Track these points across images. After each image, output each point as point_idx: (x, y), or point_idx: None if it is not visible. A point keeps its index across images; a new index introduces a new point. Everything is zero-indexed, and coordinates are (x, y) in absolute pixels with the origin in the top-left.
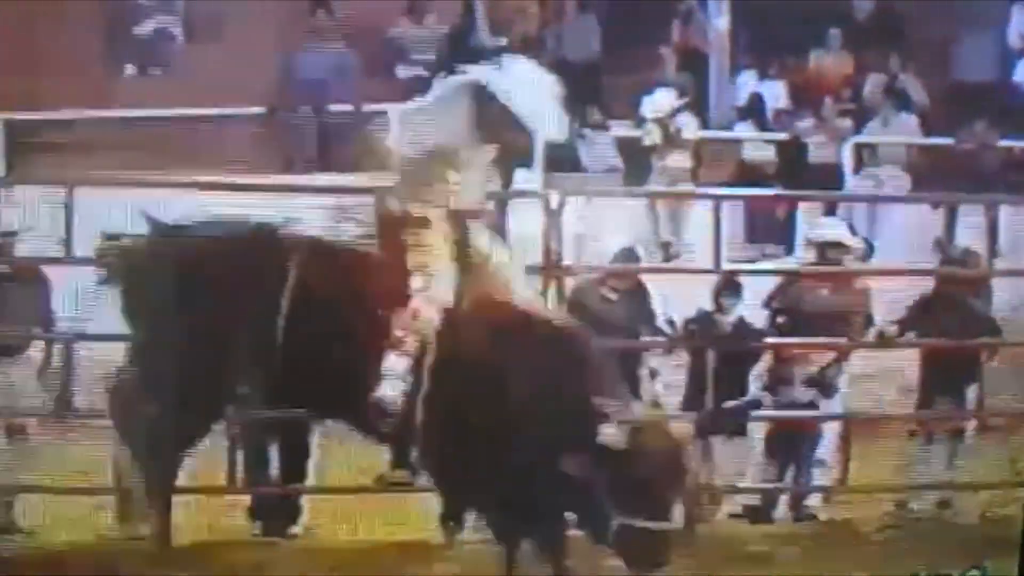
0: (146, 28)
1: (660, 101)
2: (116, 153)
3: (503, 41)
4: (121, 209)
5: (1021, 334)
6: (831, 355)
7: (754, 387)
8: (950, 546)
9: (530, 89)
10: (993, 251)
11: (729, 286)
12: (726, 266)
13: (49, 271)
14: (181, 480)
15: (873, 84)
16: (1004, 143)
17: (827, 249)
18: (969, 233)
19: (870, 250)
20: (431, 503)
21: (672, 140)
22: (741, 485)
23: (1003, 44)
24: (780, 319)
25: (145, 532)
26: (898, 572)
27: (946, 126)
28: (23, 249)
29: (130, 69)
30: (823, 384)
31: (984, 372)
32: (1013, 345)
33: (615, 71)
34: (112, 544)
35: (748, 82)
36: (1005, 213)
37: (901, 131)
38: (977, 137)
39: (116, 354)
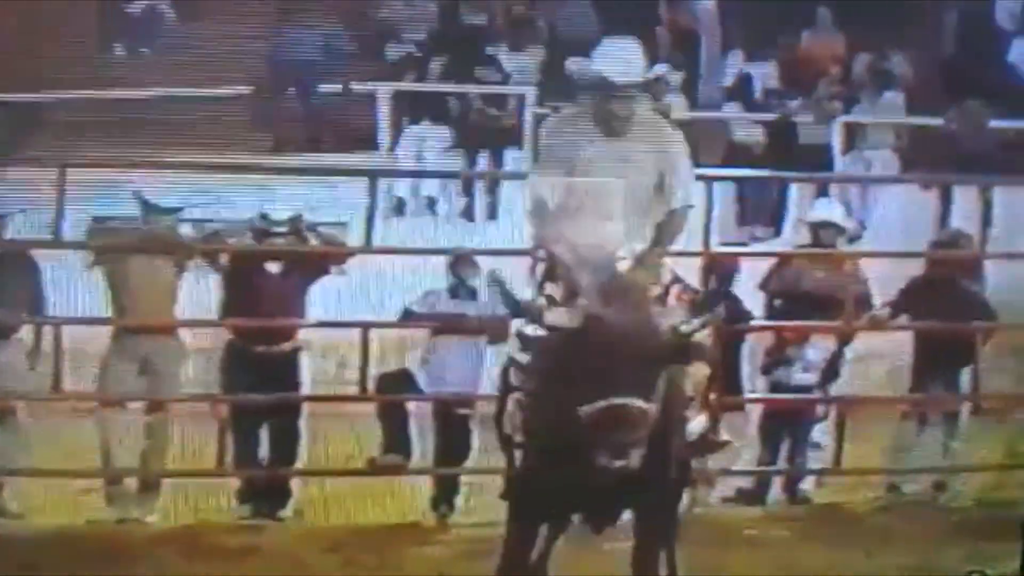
0: (137, 6)
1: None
2: (107, 133)
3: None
4: (112, 191)
5: (1016, 317)
6: (832, 340)
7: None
8: (945, 529)
9: None
10: (986, 233)
11: (719, 268)
12: (715, 248)
13: (39, 254)
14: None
15: (861, 64)
16: (996, 124)
17: (820, 230)
18: (962, 215)
19: (861, 231)
20: (422, 486)
21: None
22: (735, 468)
23: (993, 24)
24: (777, 302)
25: (134, 516)
26: (892, 554)
27: (936, 107)
28: (12, 231)
29: (120, 48)
30: (831, 371)
31: (979, 355)
32: (1009, 328)
33: None
34: (101, 527)
35: (737, 62)
36: (999, 195)
37: (887, 111)
38: (968, 118)
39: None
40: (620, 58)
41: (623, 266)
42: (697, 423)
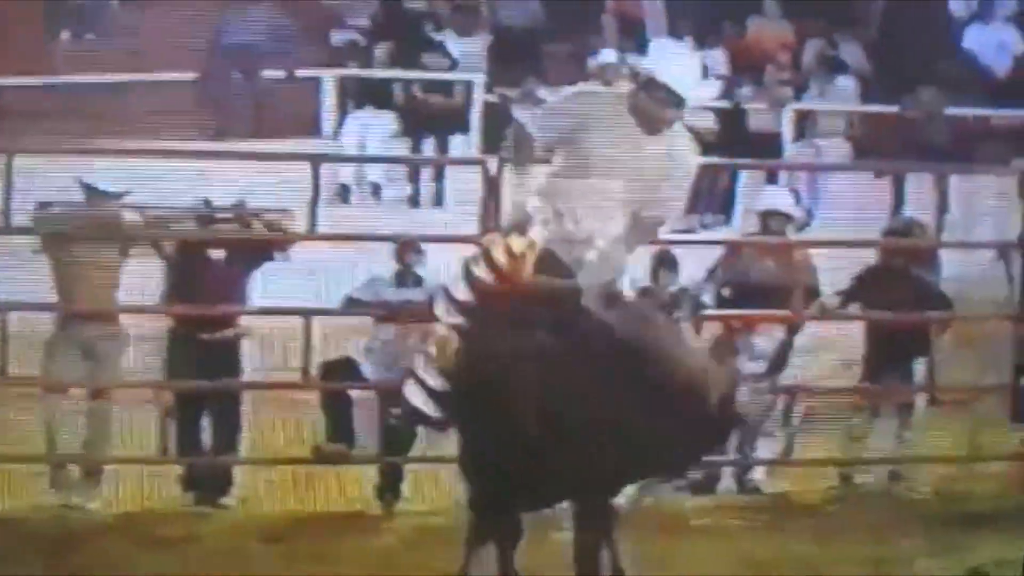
0: None
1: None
2: (53, 120)
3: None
4: (59, 177)
5: (972, 307)
6: (780, 329)
7: None
8: (900, 520)
9: None
10: (941, 221)
11: (666, 262)
12: (665, 236)
13: None
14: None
15: (811, 50)
16: (952, 111)
17: (769, 219)
18: (917, 203)
19: (810, 220)
20: (368, 475)
21: None
22: None
23: (948, 11)
24: (725, 291)
25: (78, 502)
26: (846, 545)
27: (891, 94)
28: None
29: (66, 35)
30: (779, 360)
31: (934, 346)
32: (963, 319)
33: (553, 38)
34: (45, 512)
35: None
36: (955, 183)
37: (838, 98)
38: (924, 105)
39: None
40: (685, 69)
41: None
42: None
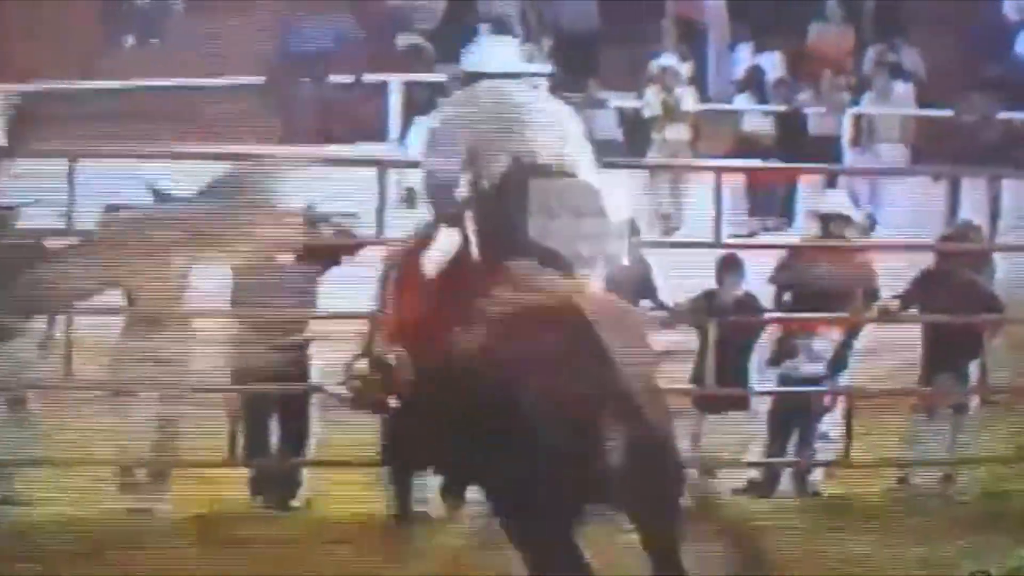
0: None
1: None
2: (117, 124)
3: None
4: (123, 181)
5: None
6: (839, 331)
7: (758, 360)
8: (953, 521)
9: None
10: (995, 225)
11: (731, 265)
12: (727, 239)
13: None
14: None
15: (871, 56)
16: (1005, 115)
17: (831, 222)
18: (972, 207)
19: (872, 224)
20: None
21: (671, 112)
22: (744, 459)
23: (1001, 15)
24: (786, 295)
25: (145, 505)
26: (900, 547)
27: (946, 98)
28: (25, 222)
29: (130, 39)
30: (838, 361)
31: (987, 348)
32: (1018, 321)
33: (613, 43)
34: (113, 516)
35: (746, 54)
36: (1008, 186)
37: (898, 103)
38: (978, 109)
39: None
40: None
41: None
42: None
